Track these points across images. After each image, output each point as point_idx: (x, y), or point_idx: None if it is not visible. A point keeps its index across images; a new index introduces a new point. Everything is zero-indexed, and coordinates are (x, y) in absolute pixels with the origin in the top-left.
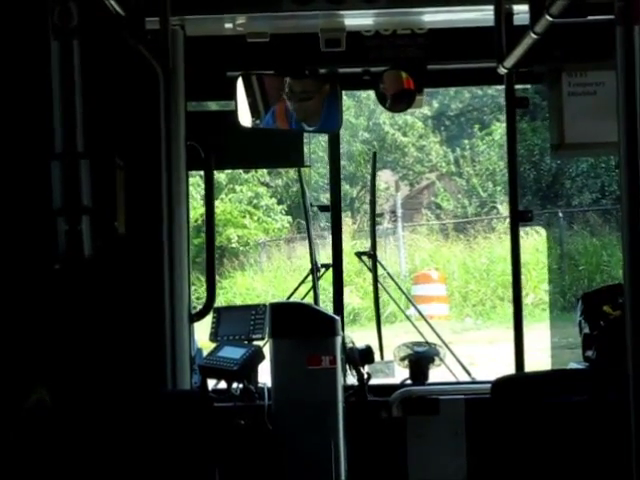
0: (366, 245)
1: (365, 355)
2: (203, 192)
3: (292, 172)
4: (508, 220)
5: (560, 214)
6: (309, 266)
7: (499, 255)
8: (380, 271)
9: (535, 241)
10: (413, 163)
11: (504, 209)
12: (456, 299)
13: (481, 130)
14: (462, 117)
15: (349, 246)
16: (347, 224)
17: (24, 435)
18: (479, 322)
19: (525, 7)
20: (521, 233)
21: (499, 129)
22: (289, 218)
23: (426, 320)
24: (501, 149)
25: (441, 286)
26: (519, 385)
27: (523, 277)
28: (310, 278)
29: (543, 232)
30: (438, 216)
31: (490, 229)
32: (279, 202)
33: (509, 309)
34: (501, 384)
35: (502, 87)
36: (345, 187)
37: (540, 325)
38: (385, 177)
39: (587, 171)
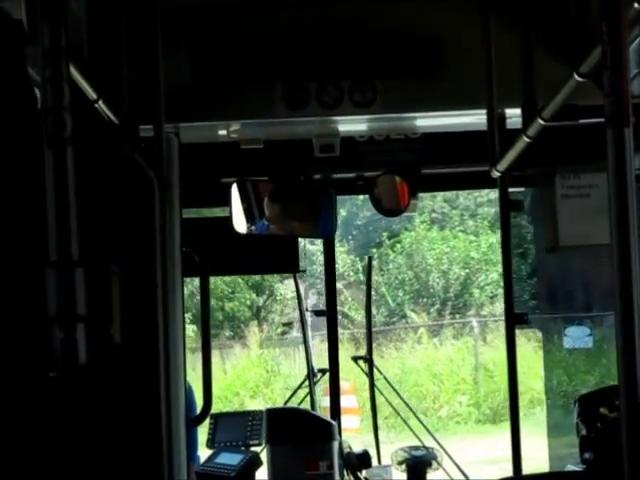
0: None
1: (362, 460)
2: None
3: (197, 280)
4: (420, 330)
5: (474, 323)
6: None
7: (411, 365)
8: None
9: (447, 351)
10: (321, 272)
11: (416, 317)
12: (367, 411)
13: (390, 238)
14: (370, 225)
15: (255, 355)
16: (254, 332)
17: None
18: (392, 435)
19: (517, 111)
20: (436, 342)
21: (408, 237)
22: (194, 327)
23: (424, 426)
24: (410, 258)
25: (352, 397)
26: None
27: (437, 388)
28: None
29: (454, 341)
30: (345, 326)
31: (400, 339)
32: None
33: (425, 420)
34: None
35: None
36: (252, 295)
37: (454, 438)
38: (293, 285)
39: (497, 280)
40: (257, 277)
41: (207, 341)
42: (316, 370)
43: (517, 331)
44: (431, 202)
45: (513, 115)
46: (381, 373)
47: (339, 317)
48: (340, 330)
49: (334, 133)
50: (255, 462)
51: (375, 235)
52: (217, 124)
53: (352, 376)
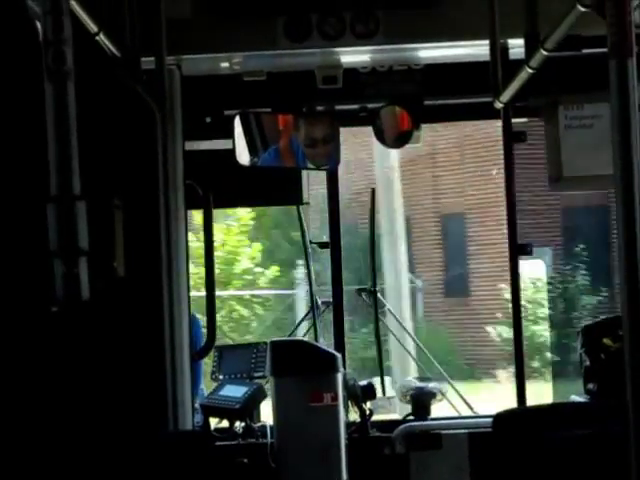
0: None
1: (367, 391)
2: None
3: None
4: None
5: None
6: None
7: None
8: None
9: None
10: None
11: None
12: None
13: None
14: None
15: None
16: None
17: None
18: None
19: (520, 41)
20: None
21: None
22: None
23: (428, 355)
24: None
25: None
26: (521, 419)
27: None
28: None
29: None
30: None
31: None
32: None
33: None
34: (503, 418)
35: None
36: None
37: None
38: None
39: None
40: None
41: (211, 274)
42: (320, 302)
43: None
44: None
45: (516, 46)
46: (385, 305)
47: None
48: None
49: (336, 64)
50: (259, 394)
51: None
52: (219, 56)
53: None
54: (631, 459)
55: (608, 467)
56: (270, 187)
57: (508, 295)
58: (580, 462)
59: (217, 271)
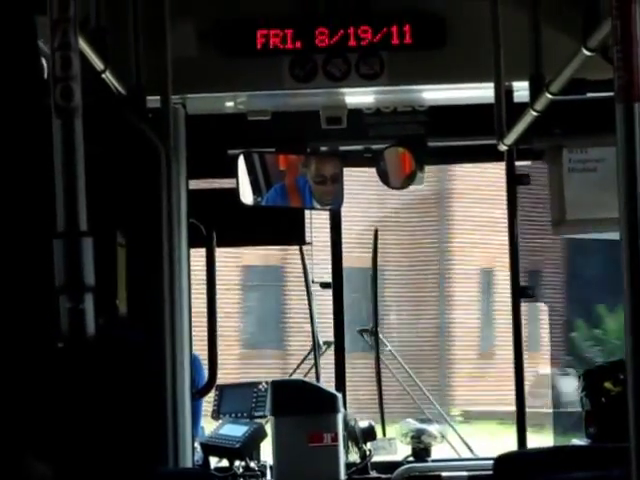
0: None
1: (367, 432)
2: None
3: None
4: None
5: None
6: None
7: None
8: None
9: None
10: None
11: None
12: None
13: None
14: None
15: None
16: None
17: None
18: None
19: (525, 84)
20: None
21: None
22: None
23: (428, 396)
24: None
25: None
26: (521, 461)
27: None
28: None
29: None
30: None
31: None
32: None
33: None
34: (503, 460)
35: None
36: None
37: None
38: None
39: None
40: None
41: (213, 313)
42: (321, 342)
43: None
44: None
45: (520, 88)
46: (387, 345)
47: None
48: None
49: (341, 105)
50: (260, 433)
51: None
52: (224, 95)
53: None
54: None
55: None
56: (273, 227)
57: None
58: None
59: None
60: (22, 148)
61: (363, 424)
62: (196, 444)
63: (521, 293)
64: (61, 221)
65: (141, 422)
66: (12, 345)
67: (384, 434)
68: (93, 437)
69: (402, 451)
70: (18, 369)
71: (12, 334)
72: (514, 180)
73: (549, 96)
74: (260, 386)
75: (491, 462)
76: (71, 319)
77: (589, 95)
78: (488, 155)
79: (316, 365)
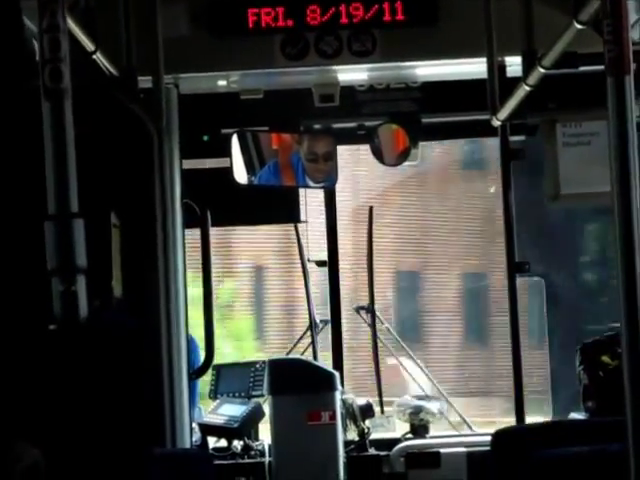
0: None
1: (365, 410)
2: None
3: None
4: None
5: None
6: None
7: None
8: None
9: None
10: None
11: None
12: None
13: None
14: None
15: None
16: None
17: None
18: None
19: (518, 59)
20: None
21: None
22: None
23: (426, 374)
24: None
25: None
26: (519, 436)
27: None
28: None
29: None
30: None
31: None
32: None
33: None
34: (501, 436)
35: None
36: None
37: None
38: None
39: None
40: None
41: (209, 293)
42: (318, 321)
43: None
44: None
45: (513, 63)
46: (383, 323)
47: None
48: None
49: (334, 82)
50: (258, 413)
51: None
52: (216, 75)
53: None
54: (630, 477)
55: None
56: (268, 205)
57: None
58: None
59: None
60: (11, 130)
61: (361, 401)
62: (194, 425)
63: (517, 268)
64: (52, 203)
65: (138, 403)
66: (4, 328)
67: (382, 411)
68: (89, 420)
69: (400, 428)
70: (11, 352)
71: (4, 317)
72: (508, 155)
73: (542, 70)
74: (257, 365)
75: (489, 438)
76: (64, 301)
77: (581, 69)
78: (482, 131)
79: (313, 343)
